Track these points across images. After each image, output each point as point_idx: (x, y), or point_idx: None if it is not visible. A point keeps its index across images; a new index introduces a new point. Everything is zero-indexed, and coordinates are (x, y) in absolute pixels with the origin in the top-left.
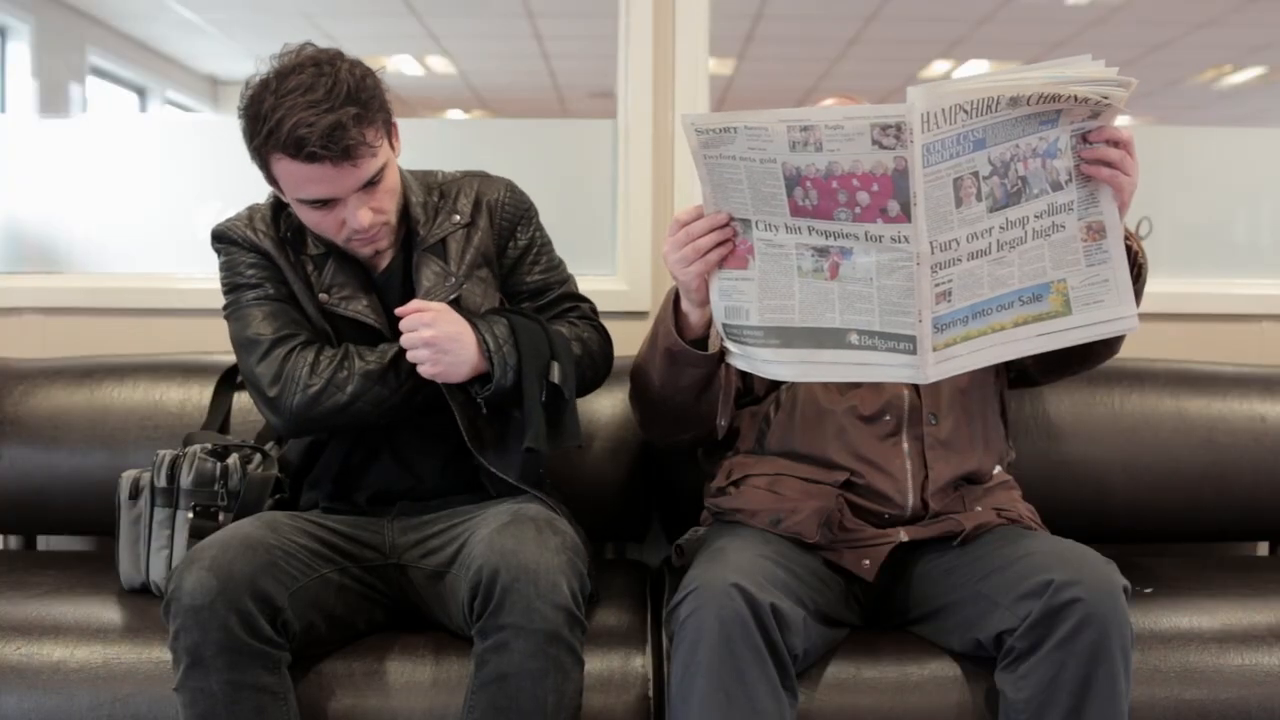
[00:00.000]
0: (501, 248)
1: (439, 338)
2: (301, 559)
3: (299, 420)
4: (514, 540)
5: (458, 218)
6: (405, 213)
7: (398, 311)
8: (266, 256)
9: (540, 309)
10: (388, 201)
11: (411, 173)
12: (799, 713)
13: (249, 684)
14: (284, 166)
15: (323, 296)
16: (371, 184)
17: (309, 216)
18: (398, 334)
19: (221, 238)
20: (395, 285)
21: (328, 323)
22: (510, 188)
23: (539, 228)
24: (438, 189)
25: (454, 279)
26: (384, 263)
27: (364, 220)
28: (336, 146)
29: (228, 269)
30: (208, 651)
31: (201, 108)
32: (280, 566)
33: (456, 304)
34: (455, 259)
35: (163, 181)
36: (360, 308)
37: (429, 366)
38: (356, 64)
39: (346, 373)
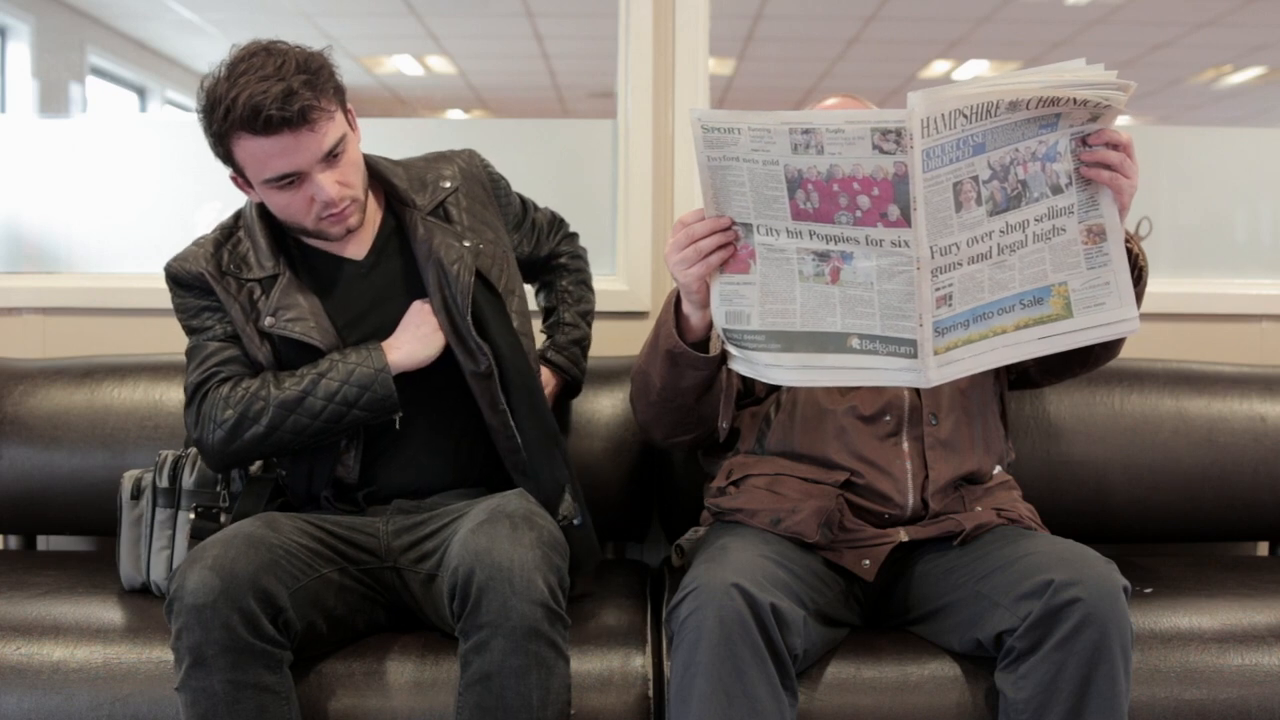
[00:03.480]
0: (500, 206)
1: None
2: (302, 558)
3: (222, 456)
4: (487, 539)
5: (447, 184)
6: (390, 194)
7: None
8: (210, 291)
9: (550, 256)
10: (353, 174)
11: (380, 158)
12: (799, 713)
13: (250, 683)
14: (246, 146)
15: (269, 320)
16: (334, 155)
17: (278, 200)
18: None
19: (172, 279)
20: (393, 259)
21: (274, 346)
22: (474, 153)
23: (501, 176)
24: (413, 167)
25: (467, 243)
26: (364, 249)
27: (331, 193)
28: (291, 109)
29: (179, 311)
30: (210, 651)
31: None
32: (282, 565)
33: (479, 273)
34: (459, 222)
35: (163, 181)
36: (306, 329)
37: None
38: (304, 49)
39: (262, 404)
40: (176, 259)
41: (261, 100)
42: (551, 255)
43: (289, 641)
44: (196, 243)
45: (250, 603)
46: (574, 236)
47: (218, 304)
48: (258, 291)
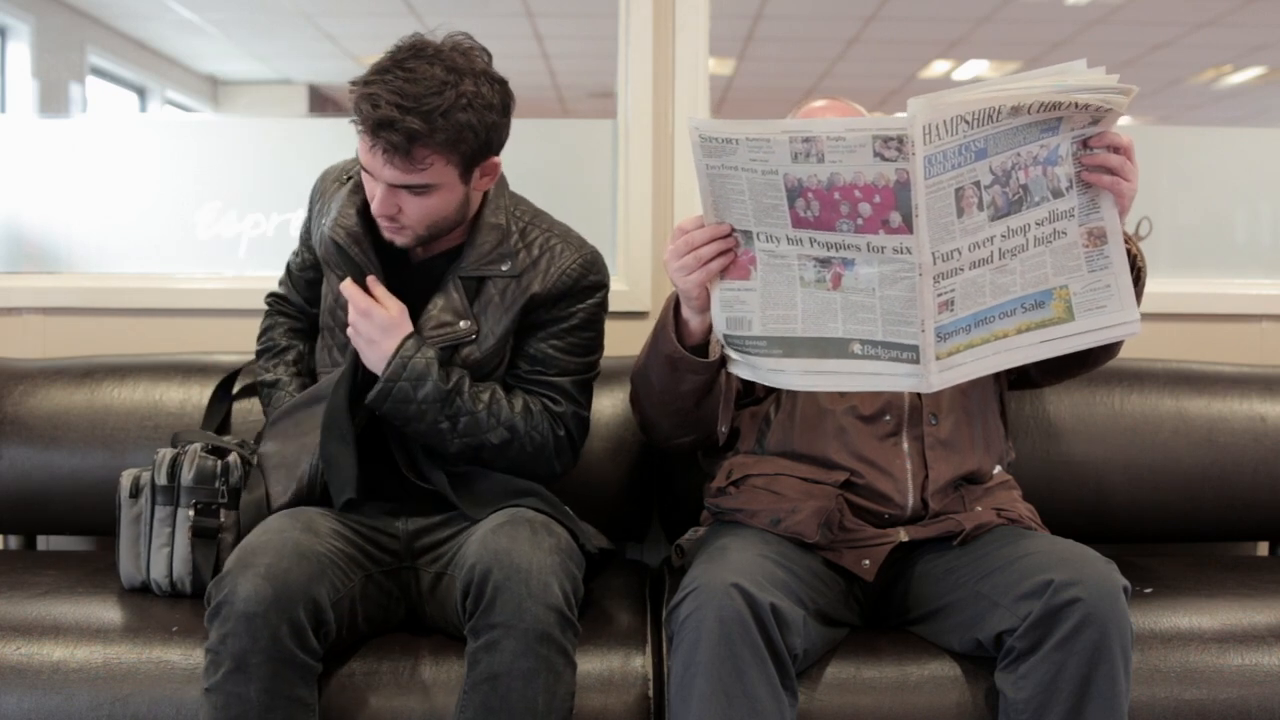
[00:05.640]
0: (531, 308)
1: (360, 331)
2: (342, 566)
3: None
4: (508, 540)
5: (507, 267)
6: (476, 221)
7: (343, 288)
8: (313, 201)
9: (517, 375)
10: (415, 214)
11: (509, 201)
12: (799, 713)
13: (285, 694)
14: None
15: (325, 221)
16: (408, 189)
17: (363, 171)
18: (362, 246)
19: None
20: (432, 278)
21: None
22: (584, 263)
23: (591, 313)
24: (518, 226)
25: (466, 324)
26: (417, 255)
27: (378, 209)
28: (378, 137)
29: None
30: (254, 659)
31: (201, 108)
32: (328, 575)
33: (454, 351)
34: (484, 302)
35: (163, 181)
36: (335, 229)
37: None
38: (479, 97)
39: (259, 366)
40: (329, 168)
41: (368, 109)
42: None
43: (323, 652)
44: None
45: (300, 614)
46: (559, 415)
47: (308, 215)
48: (343, 197)
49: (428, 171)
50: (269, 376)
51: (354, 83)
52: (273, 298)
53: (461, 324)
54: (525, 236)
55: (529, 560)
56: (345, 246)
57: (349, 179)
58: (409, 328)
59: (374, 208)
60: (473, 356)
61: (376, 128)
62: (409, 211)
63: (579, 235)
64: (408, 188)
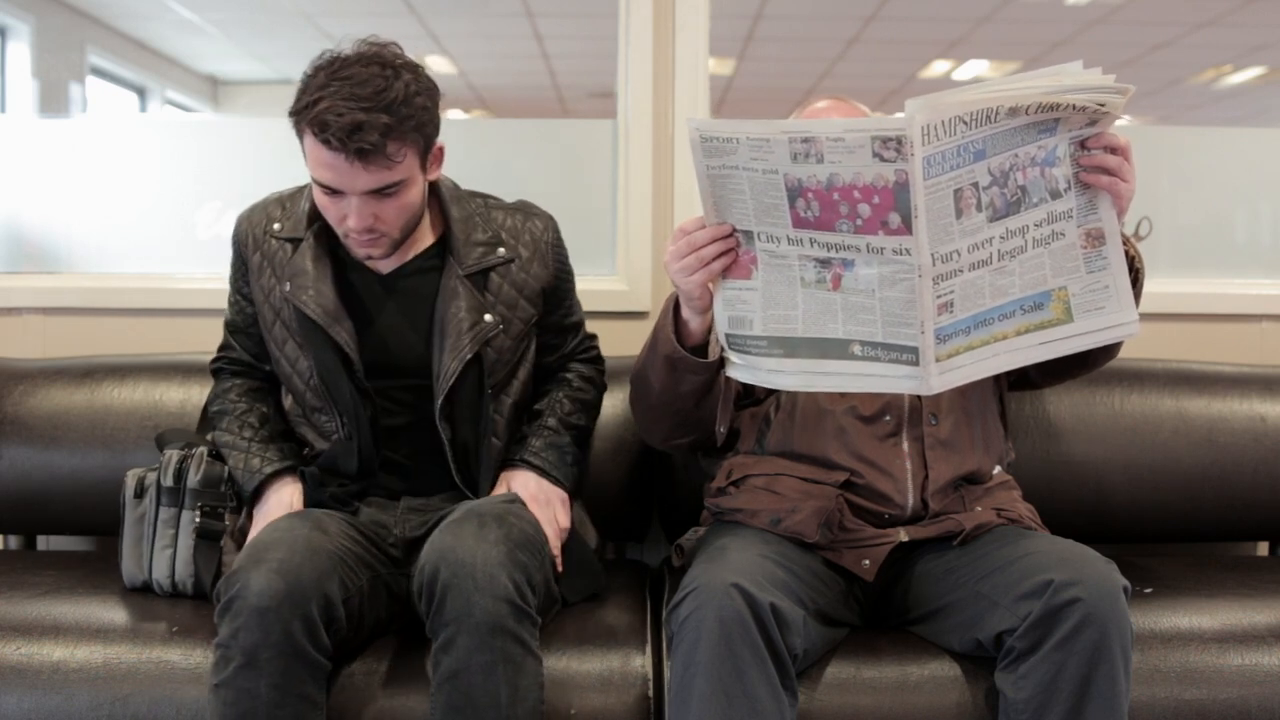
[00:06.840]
0: (548, 292)
1: (557, 527)
2: (351, 565)
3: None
4: (452, 537)
5: (503, 250)
6: (446, 229)
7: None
8: (241, 252)
9: (561, 352)
10: (393, 216)
11: (461, 191)
12: (799, 713)
13: (295, 692)
14: (310, 142)
15: (286, 286)
16: (383, 193)
17: (320, 199)
18: (341, 325)
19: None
20: (417, 288)
21: (292, 309)
22: (549, 224)
23: (567, 260)
24: (488, 215)
25: (491, 317)
26: (390, 265)
27: (357, 223)
28: (352, 144)
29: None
30: (265, 654)
31: (201, 108)
32: (339, 572)
33: (488, 345)
34: (495, 293)
35: (163, 181)
36: (307, 298)
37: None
38: (419, 81)
39: (216, 421)
40: (245, 209)
41: (332, 121)
42: (560, 368)
43: (333, 650)
44: (266, 198)
45: (313, 610)
46: (595, 359)
47: (243, 267)
48: (288, 252)
49: (401, 165)
50: (229, 439)
51: (296, 110)
52: (221, 360)
53: (487, 318)
54: (493, 221)
55: (473, 555)
56: (327, 327)
57: (292, 240)
58: (551, 489)
59: (351, 224)
60: (504, 345)
61: (349, 135)
62: (386, 216)
63: (523, 201)
64: (382, 191)
